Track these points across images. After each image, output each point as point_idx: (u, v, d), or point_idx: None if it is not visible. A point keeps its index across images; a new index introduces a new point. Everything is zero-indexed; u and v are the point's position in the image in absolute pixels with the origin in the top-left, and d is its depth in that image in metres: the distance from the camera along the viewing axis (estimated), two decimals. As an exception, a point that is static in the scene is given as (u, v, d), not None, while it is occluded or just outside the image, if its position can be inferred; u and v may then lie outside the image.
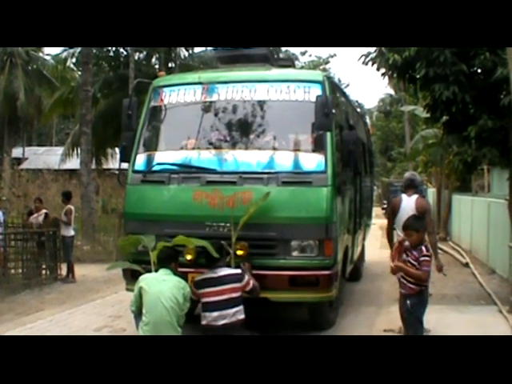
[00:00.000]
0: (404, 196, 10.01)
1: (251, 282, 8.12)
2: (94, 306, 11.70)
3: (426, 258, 7.48)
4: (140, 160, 9.46)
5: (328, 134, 8.84)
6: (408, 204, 9.75)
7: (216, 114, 9.48)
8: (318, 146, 8.92)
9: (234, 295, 7.98)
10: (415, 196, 9.89)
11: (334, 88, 10.04)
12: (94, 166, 25.63)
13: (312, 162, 8.93)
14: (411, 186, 10.11)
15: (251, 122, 9.37)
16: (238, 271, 8.09)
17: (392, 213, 10.21)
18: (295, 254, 8.67)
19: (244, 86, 9.40)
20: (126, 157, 9.57)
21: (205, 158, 9.20)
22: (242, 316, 8.01)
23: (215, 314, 7.91)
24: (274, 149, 9.09)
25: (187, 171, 9.13)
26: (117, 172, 11.17)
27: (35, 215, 15.22)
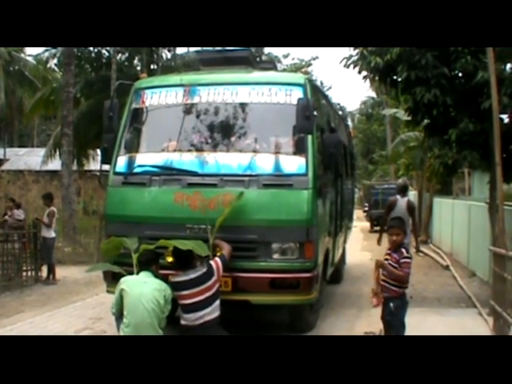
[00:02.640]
0: (399, 197, 12.86)
1: (220, 265, 8.17)
2: (74, 308, 11.63)
3: (407, 260, 7.54)
4: (121, 162, 9.43)
5: (309, 137, 8.85)
6: (401, 203, 12.68)
7: (197, 116, 9.47)
8: (299, 149, 8.93)
9: (210, 293, 7.99)
10: (406, 198, 12.96)
11: (315, 91, 10.07)
12: (75, 168, 25.52)
13: (293, 164, 8.95)
14: (404, 190, 13.09)
15: (233, 124, 9.37)
16: (205, 269, 8.09)
17: (389, 208, 12.84)
18: (276, 256, 8.68)
19: (226, 89, 9.39)
20: (107, 158, 9.54)
21: (186, 160, 9.18)
22: (217, 312, 8.03)
23: (193, 315, 7.92)
24: (256, 151, 9.09)
25: (168, 173, 9.11)
26: (98, 174, 11.14)
27: (9, 214, 15.54)
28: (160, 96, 9.61)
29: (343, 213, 13.54)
